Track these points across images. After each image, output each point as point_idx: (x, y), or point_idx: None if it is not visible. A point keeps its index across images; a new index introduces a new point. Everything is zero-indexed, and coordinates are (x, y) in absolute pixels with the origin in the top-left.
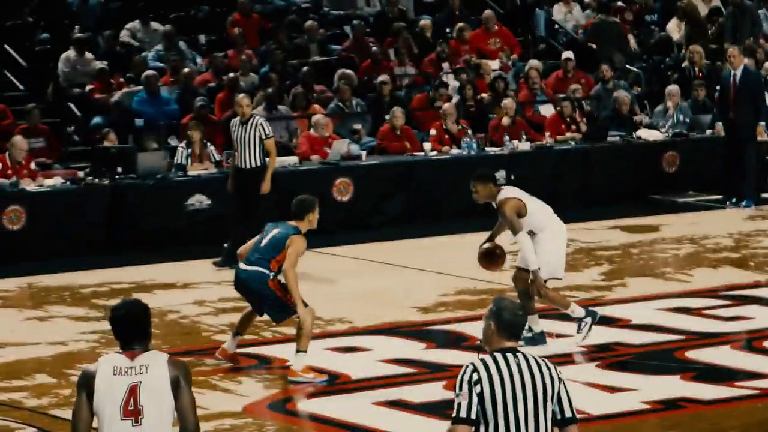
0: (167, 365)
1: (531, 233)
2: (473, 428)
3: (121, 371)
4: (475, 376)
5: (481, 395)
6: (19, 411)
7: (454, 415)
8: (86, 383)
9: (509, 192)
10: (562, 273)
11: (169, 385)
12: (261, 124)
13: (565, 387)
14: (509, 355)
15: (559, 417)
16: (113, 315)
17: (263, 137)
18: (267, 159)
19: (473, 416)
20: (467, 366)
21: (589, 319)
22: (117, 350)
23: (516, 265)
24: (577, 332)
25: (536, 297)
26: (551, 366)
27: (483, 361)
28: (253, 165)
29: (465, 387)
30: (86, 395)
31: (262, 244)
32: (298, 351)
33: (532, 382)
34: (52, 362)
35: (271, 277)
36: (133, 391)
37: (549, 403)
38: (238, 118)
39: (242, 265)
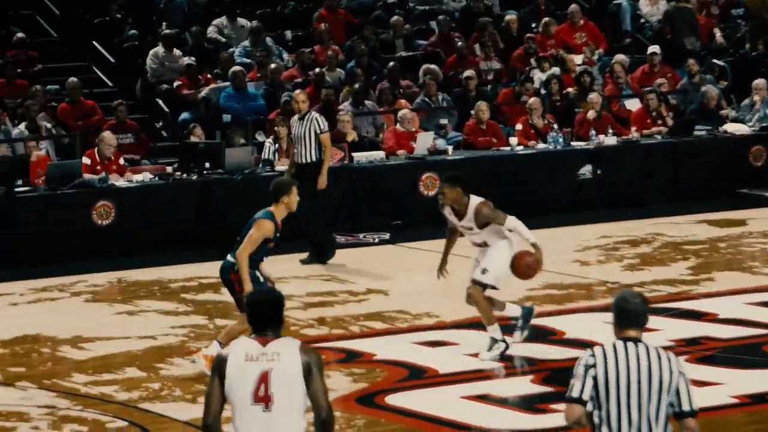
0: (299, 352)
1: (485, 244)
2: (585, 408)
3: (253, 357)
4: (591, 361)
5: (595, 379)
6: (109, 404)
7: (567, 394)
8: (219, 368)
9: (479, 197)
10: (501, 284)
11: (301, 372)
12: (316, 119)
13: (685, 380)
14: (629, 344)
15: (677, 409)
16: (250, 301)
17: (318, 132)
18: (323, 154)
19: (585, 397)
20: (588, 351)
21: (503, 346)
22: (251, 335)
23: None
24: (488, 350)
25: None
26: (672, 358)
27: (603, 348)
28: (309, 160)
29: (581, 370)
30: (218, 379)
31: (243, 231)
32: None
33: (649, 371)
34: (142, 356)
35: (235, 269)
36: (263, 378)
37: (665, 393)
38: (296, 115)
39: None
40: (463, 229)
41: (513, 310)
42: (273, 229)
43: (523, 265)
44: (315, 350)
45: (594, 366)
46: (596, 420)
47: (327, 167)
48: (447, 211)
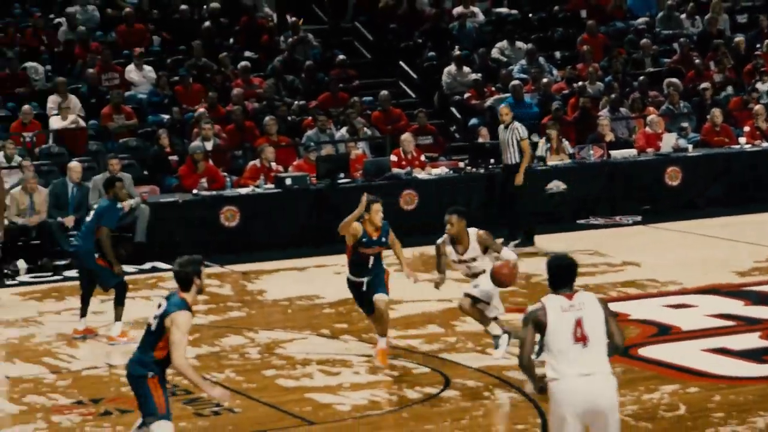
0: (597, 302)
1: (483, 272)
2: None
3: (566, 309)
4: None
5: None
6: (415, 354)
7: None
8: (533, 318)
9: (474, 228)
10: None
11: (603, 316)
12: (517, 129)
13: None
14: None
15: None
16: (552, 264)
17: (519, 139)
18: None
19: None
20: None
21: (506, 336)
22: (553, 293)
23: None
24: (496, 348)
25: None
26: None
27: None
28: (513, 162)
29: None
30: (533, 326)
31: None
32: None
33: None
34: (440, 315)
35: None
36: (578, 323)
37: None
38: (501, 125)
39: None
40: (464, 264)
41: (494, 329)
42: (358, 233)
43: (503, 274)
44: (605, 301)
45: None
46: None
47: (524, 168)
48: (448, 249)
